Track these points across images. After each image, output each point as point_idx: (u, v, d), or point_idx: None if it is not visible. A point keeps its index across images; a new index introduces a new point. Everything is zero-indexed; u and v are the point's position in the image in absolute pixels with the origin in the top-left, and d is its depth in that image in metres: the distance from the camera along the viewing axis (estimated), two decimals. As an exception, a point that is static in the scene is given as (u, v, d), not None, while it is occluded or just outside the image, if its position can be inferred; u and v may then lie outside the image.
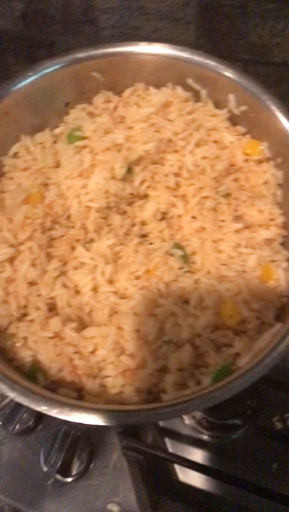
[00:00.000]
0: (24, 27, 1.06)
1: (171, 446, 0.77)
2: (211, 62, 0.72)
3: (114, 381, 0.62)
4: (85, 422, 0.51)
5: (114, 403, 0.60)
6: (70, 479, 0.75)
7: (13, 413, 0.77)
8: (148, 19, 0.97)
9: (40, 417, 0.80)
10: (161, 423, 0.79)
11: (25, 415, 0.79)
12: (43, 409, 0.53)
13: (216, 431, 0.76)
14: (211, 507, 0.73)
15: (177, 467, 0.75)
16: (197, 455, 0.76)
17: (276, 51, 0.96)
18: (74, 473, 0.75)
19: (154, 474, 0.72)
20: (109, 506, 0.74)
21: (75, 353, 0.64)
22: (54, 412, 0.53)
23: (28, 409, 0.78)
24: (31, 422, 0.79)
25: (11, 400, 0.55)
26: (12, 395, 0.54)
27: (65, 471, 0.74)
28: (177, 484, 0.75)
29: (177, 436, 0.78)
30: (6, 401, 0.55)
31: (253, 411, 0.76)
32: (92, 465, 0.77)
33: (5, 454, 0.79)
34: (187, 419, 0.78)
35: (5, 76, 0.77)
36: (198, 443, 0.77)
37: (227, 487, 0.67)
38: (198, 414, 0.77)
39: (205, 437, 0.77)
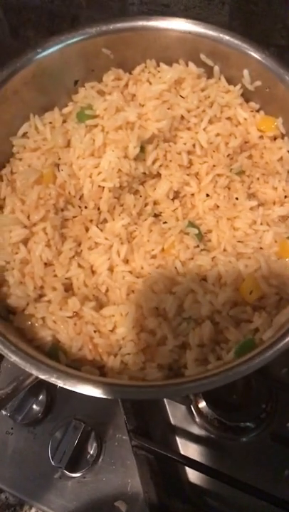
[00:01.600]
0: (46, -2, 0.97)
1: (181, 445, 0.76)
2: (226, 37, 0.71)
3: (135, 358, 0.62)
4: (114, 398, 0.51)
5: (136, 379, 0.60)
6: (77, 474, 0.74)
7: (22, 404, 0.76)
8: (179, -4, 0.88)
9: (48, 408, 0.79)
10: (172, 421, 0.77)
11: (34, 406, 0.78)
12: (68, 386, 0.53)
13: (227, 432, 0.75)
14: (219, 510, 0.72)
15: (187, 467, 0.73)
16: (207, 456, 0.75)
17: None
18: (81, 468, 0.74)
19: (164, 474, 0.71)
20: (117, 504, 0.72)
21: (95, 331, 0.64)
22: (79, 389, 0.53)
23: (36, 400, 0.78)
24: (40, 414, 0.78)
25: (35, 379, 0.55)
26: (35, 372, 0.54)
27: (72, 465, 0.73)
28: (187, 485, 0.73)
29: (188, 436, 0.77)
30: (30, 380, 0.55)
31: (267, 415, 0.75)
32: (100, 461, 0.75)
33: (12, 444, 0.78)
34: (198, 417, 0.76)
35: (23, 49, 0.73)
36: (208, 443, 0.76)
37: (236, 491, 0.66)
38: (211, 414, 0.75)
39: (216, 438, 0.75)
